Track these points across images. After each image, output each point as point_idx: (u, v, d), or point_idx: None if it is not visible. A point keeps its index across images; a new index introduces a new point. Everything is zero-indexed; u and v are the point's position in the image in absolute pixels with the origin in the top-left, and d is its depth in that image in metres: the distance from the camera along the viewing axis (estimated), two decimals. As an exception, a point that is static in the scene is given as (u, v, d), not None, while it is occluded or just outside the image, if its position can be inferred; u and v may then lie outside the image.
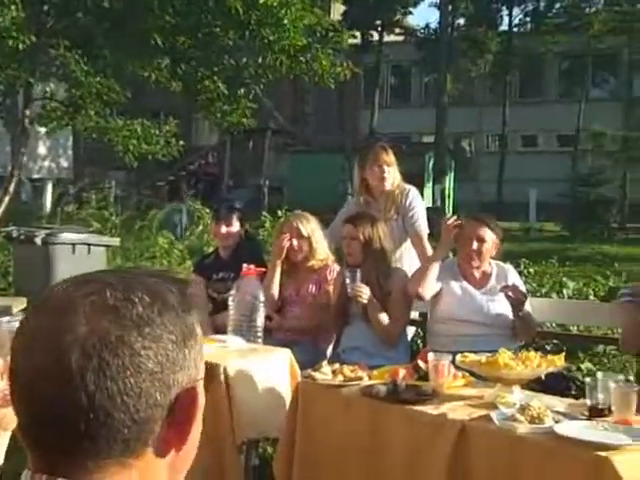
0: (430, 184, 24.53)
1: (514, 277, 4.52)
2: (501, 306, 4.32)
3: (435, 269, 4.41)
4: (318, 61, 12.57)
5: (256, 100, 13.82)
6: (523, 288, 4.50)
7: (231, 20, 12.13)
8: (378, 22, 31.11)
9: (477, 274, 4.43)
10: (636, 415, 3.06)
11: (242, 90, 13.08)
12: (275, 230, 5.09)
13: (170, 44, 12.24)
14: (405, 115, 32.58)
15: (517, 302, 4.20)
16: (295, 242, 4.76)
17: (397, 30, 32.48)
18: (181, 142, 13.53)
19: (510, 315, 4.31)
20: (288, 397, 3.72)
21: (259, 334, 4.18)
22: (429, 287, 4.40)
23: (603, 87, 32.62)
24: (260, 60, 12.62)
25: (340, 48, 13.49)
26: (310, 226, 4.81)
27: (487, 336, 4.20)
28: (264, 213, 14.90)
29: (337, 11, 29.74)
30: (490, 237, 4.39)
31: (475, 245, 4.35)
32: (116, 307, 0.91)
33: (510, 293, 4.19)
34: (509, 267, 4.62)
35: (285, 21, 11.93)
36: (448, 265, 4.52)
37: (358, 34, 29.91)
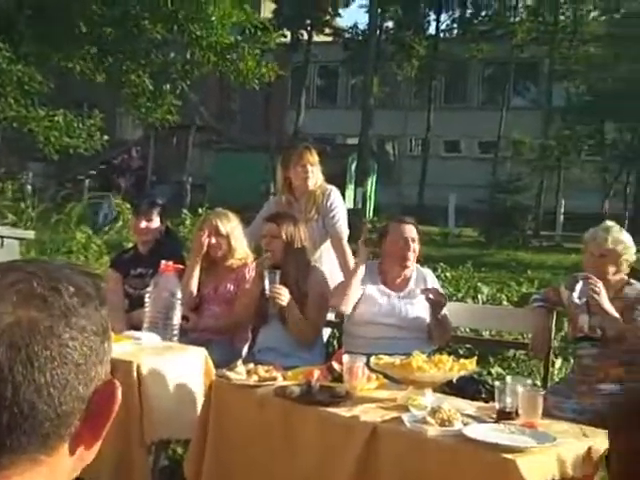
0: (352, 186, 24.69)
1: (433, 282, 4.59)
2: (418, 309, 4.38)
3: (357, 283, 4.43)
4: (244, 61, 12.54)
5: (182, 96, 13.70)
6: (440, 290, 4.58)
7: (160, 13, 12.01)
8: (308, 21, 31.17)
9: (398, 278, 4.47)
10: (542, 419, 3.15)
11: (168, 86, 12.95)
12: (195, 227, 5.06)
13: (96, 34, 12.03)
14: (331, 116, 32.72)
15: (437, 305, 4.26)
16: (214, 240, 4.73)
17: (326, 30, 32.60)
18: (105, 137, 13.30)
19: (427, 319, 4.37)
20: (202, 397, 3.70)
21: (175, 332, 4.15)
22: (351, 302, 4.43)
23: (524, 95, 33.32)
24: (188, 56, 12.52)
25: (268, 48, 13.48)
26: (230, 224, 4.79)
27: (403, 339, 4.25)
28: (185, 210, 14.77)
29: (268, 9, 29.70)
30: (416, 234, 4.46)
31: (411, 245, 4.39)
32: (44, 296, 0.88)
33: (431, 296, 4.25)
34: (428, 271, 4.68)
35: (213, 17, 11.86)
36: (368, 267, 4.55)
37: (288, 33, 29.93)
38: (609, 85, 22.50)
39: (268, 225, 4.54)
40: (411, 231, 4.42)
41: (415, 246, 4.42)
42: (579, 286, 4.01)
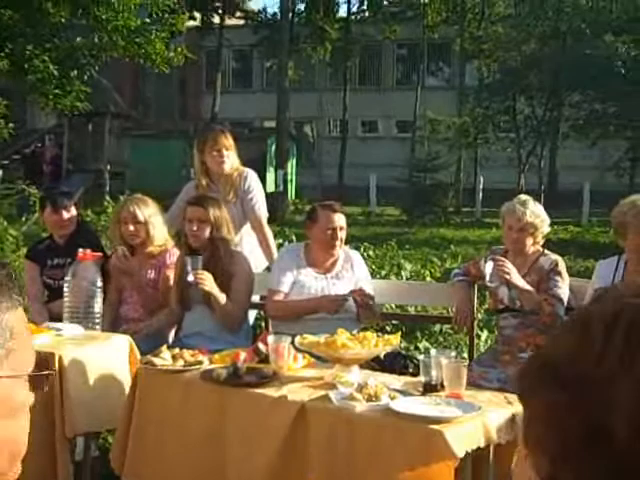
0: (272, 169, 24.63)
1: (359, 263, 4.59)
2: (345, 290, 4.38)
3: None
4: (152, 44, 12.29)
5: (92, 82, 13.37)
6: (368, 277, 4.59)
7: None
8: (218, 4, 30.90)
9: (326, 262, 4.46)
10: (469, 389, 3.20)
11: (75, 72, 12.59)
12: (113, 214, 4.96)
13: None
14: (247, 100, 32.57)
15: (364, 305, 4.28)
16: (132, 227, 4.63)
17: (238, 14, 32.36)
18: (10, 124, 12.87)
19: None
20: (128, 385, 3.65)
21: (97, 321, 4.08)
22: None
23: (438, 75, 33.78)
24: (96, 40, 12.20)
25: (177, 30, 13.24)
26: (148, 210, 4.69)
27: (330, 320, 4.25)
28: (107, 198, 14.52)
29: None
30: (344, 222, 4.45)
31: (339, 234, 4.38)
32: None
33: (357, 298, 4.26)
34: (355, 253, 4.68)
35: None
36: (294, 251, 4.53)
37: (198, 16, 29.60)
38: (518, 63, 22.94)
39: (194, 209, 4.42)
40: (340, 219, 4.40)
41: (343, 234, 4.42)
42: (489, 268, 4.09)
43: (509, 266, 4.10)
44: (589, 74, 20.24)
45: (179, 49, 13.07)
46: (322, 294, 4.38)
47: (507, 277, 4.08)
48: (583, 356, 0.75)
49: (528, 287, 4.14)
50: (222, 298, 4.26)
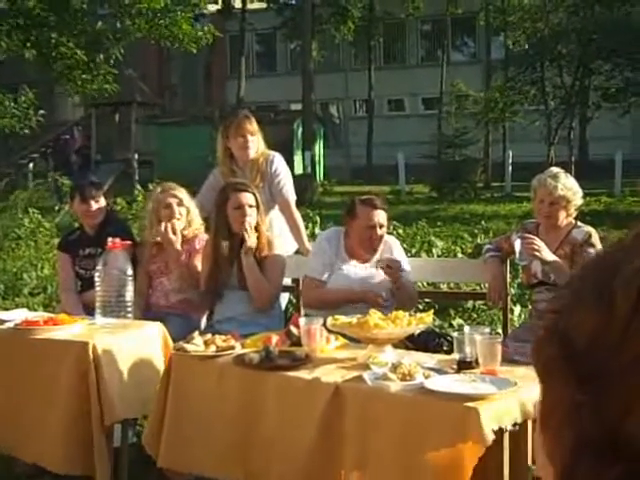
0: (300, 151, 24.59)
1: (398, 250, 4.54)
2: (384, 280, 4.32)
3: None
4: (178, 25, 12.30)
5: (117, 66, 13.41)
6: (406, 261, 4.51)
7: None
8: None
9: (366, 255, 4.41)
10: (504, 365, 3.17)
11: (102, 56, 12.64)
12: (152, 201, 4.96)
13: (17, 8, 11.62)
14: (272, 83, 32.52)
15: (392, 275, 4.22)
16: (178, 210, 4.71)
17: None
18: (40, 111, 12.96)
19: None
20: (161, 372, 3.65)
21: (129, 309, 4.08)
22: None
23: (463, 50, 33.46)
24: (118, 24, 12.23)
25: (200, 11, 13.23)
26: (186, 196, 4.79)
27: (368, 306, 4.20)
28: (138, 187, 14.60)
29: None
30: (385, 219, 4.37)
31: (379, 232, 4.30)
32: None
33: (384, 266, 4.20)
34: (394, 241, 4.62)
35: None
36: (333, 238, 4.48)
37: (220, 1, 29.57)
38: (545, 33, 22.63)
39: (243, 195, 4.38)
40: (380, 216, 4.30)
41: (383, 231, 4.34)
42: (517, 247, 4.03)
43: (538, 242, 4.03)
44: (620, 42, 19.90)
45: (207, 28, 13.04)
46: (362, 284, 4.32)
47: (537, 254, 4.02)
48: (605, 342, 0.69)
49: (560, 261, 4.08)
50: (257, 271, 4.28)
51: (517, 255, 4.06)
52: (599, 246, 4.17)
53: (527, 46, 24.00)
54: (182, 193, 4.81)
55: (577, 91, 23.12)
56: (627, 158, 20.19)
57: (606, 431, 0.68)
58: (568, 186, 4.22)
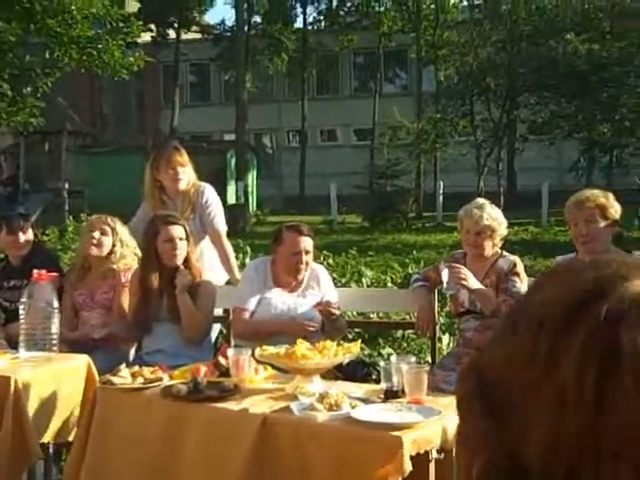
0: (233, 181, 24.58)
1: (326, 279, 4.56)
2: (310, 305, 4.35)
3: None
4: (109, 52, 12.24)
5: (46, 99, 13.25)
6: (333, 291, 4.55)
7: (14, 10, 11.53)
8: (173, 19, 30.85)
9: (292, 282, 4.42)
10: (431, 393, 3.20)
11: (28, 89, 12.49)
12: (83, 228, 4.94)
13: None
14: (206, 113, 32.49)
15: (329, 316, 4.26)
16: (96, 234, 4.69)
17: (194, 28, 32.32)
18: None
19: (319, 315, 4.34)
20: (85, 405, 3.60)
21: (54, 342, 4.01)
22: None
23: (395, 82, 33.98)
24: (47, 55, 12.09)
25: (133, 39, 13.19)
26: (118, 227, 4.76)
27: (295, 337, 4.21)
28: (70, 217, 14.41)
29: (131, 8, 29.15)
30: (311, 245, 4.39)
31: (304, 258, 4.34)
32: None
33: (323, 311, 4.24)
34: (321, 269, 4.64)
35: (73, 7, 11.48)
36: (260, 267, 4.49)
37: (154, 27, 29.54)
38: (474, 67, 23.16)
39: (174, 227, 4.39)
40: (306, 242, 4.33)
41: (309, 258, 4.36)
42: (445, 276, 4.11)
43: (464, 272, 4.11)
44: (545, 76, 20.48)
45: (138, 54, 13.00)
46: (289, 312, 4.34)
47: (463, 283, 4.10)
48: (509, 373, 0.72)
49: (486, 290, 4.16)
50: (191, 305, 4.28)
51: (444, 284, 4.13)
52: (523, 275, 4.27)
53: (457, 79, 24.50)
54: (117, 224, 4.77)
55: (505, 123, 23.68)
56: (554, 189, 20.63)
57: (510, 460, 0.71)
58: (493, 216, 4.31)
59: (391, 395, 3.18)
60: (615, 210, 4.14)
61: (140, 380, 3.42)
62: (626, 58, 19.33)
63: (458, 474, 0.80)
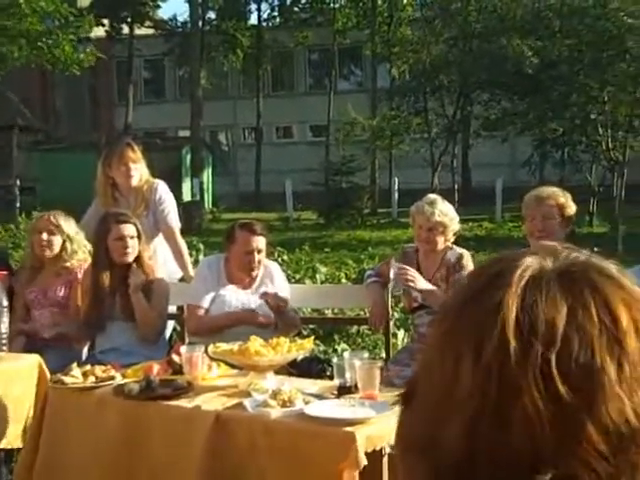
0: (188, 178, 24.45)
1: (279, 276, 4.56)
2: (265, 304, 4.34)
3: None
4: (60, 47, 12.08)
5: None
6: (287, 287, 4.55)
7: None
8: (126, 14, 30.55)
9: (245, 280, 4.42)
10: (384, 389, 3.22)
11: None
12: (29, 229, 4.86)
13: None
14: (161, 110, 32.24)
15: (276, 308, 4.26)
16: (45, 236, 4.61)
17: (148, 23, 32.04)
18: None
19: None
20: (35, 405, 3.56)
21: (4, 341, 3.96)
22: None
23: (350, 79, 34.04)
24: (-4, 51, 11.92)
25: (84, 34, 13.03)
26: (67, 225, 4.71)
27: (248, 330, 4.20)
28: (21, 215, 14.23)
29: (84, 2, 28.82)
30: (264, 244, 4.40)
31: (256, 257, 4.33)
32: None
33: (269, 300, 4.23)
34: (274, 266, 4.64)
35: (21, 1, 11.32)
36: (213, 265, 4.48)
37: (106, 22, 29.24)
38: (427, 64, 23.31)
39: (124, 226, 4.36)
40: (258, 241, 4.33)
41: (262, 256, 4.36)
42: (392, 276, 4.15)
43: (412, 273, 4.15)
44: (496, 73, 20.68)
45: (89, 50, 12.85)
46: (242, 309, 4.33)
47: (410, 284, 4.14)
48: (436, 390, 0.73)
49: (432, 289, 4.20)
50: (145, 304, 4.26)
51: (391, 285, 4.18)
52: (470, 268, 4.30)
53: (410, 76, 24.65)
54: (61, 222, 4.70)
55: (459, 120, 23.87)
56: (507, 185, 20.87)
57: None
58: (445, 212, 4.35)
59: (344, 391, 3.19)
60: (572, 210, 4.22)
61: (92, 379, 3.39)
62: (576, 57, 19.60)
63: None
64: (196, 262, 5.82)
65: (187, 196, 22.78)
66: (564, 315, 0.69)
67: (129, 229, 4.37)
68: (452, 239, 4.43)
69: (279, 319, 4.30)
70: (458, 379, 0.70)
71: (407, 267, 4.19)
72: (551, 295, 0.70)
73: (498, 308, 0.70)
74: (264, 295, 4.27)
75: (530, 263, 0.73)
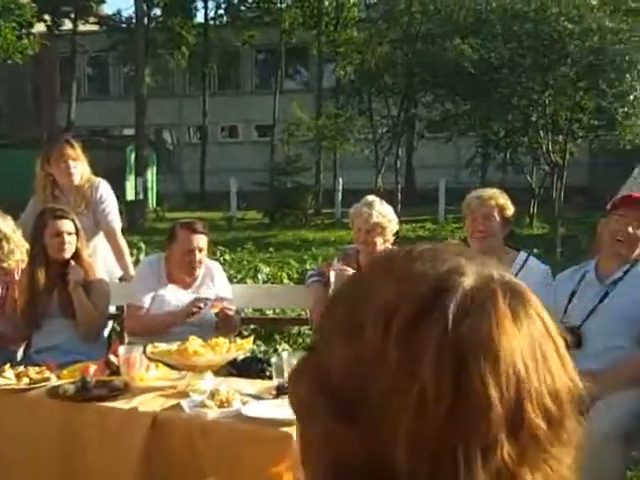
0: (132, 177, 24.21)
1: (220, 275, 4.54)
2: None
3: None
4: (2, 34, 11.87)
5: None
6: (228, 287, 4.54)
7: None
8: (69, 9, 30.13)
9: (186, 279, 4.41)
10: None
11: None
12: None
13: None
14: (104, 107, 31.86)
15: (225, 318, 4.24)
16: None
17: (92, 19, 31.62)
18: None
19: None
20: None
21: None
22: None
23: (296, 79, 34.06)
24: None
25: (25, 20, 12.77)
26: (4, 225, 4.59)
27: (188, 329, 4.18)
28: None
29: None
30: (205, 243, 4.37)
31: (197, 256, 4.31)
32: None
33: (218, 312, 4.21)
34: (216, 265, 4.62)
35: None
36: (153, 264, 4.45)
37: (48, 18, 28.80)
38: (372, 65, 23.44)
39: (62, 222, 4.29)
40: (199, 240, 4.30)
41: (203, 255, 4.34)
42: (332, 278, 4.18)
43: (352, 274, 4.17)
44: (440, 75, 20.89)
45: (32, 37, 12.64)
46: (180, 308, 4.31)
47: None
48: (358, 372, 0.72)
49: None
50: (86, 301, 4.22)
51: (332, 286, 4.20)
52: None
53: (355, 77, 24.77)
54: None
55: (403, 121, 24.05)
56: (451, 186, 21.09)
57: (369, 459, 0.71)
58: (383, 213, 4.38)
59: (283, 391, 3.19)
60: (511, 211, 4.28)
61: (25, 381, 3.34)
62: (517, 60, 19.90)
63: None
64: (137, 261, 5.77)
65: (131, 195, 22.58)
66: None
67: (67, 225, 4.31)
68: (391, 240, 4.46)
69: (221, 323, 4.28)
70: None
71: (348, 268, 4.22)
72: None
73: None
74: (212, 302, 4.24)
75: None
